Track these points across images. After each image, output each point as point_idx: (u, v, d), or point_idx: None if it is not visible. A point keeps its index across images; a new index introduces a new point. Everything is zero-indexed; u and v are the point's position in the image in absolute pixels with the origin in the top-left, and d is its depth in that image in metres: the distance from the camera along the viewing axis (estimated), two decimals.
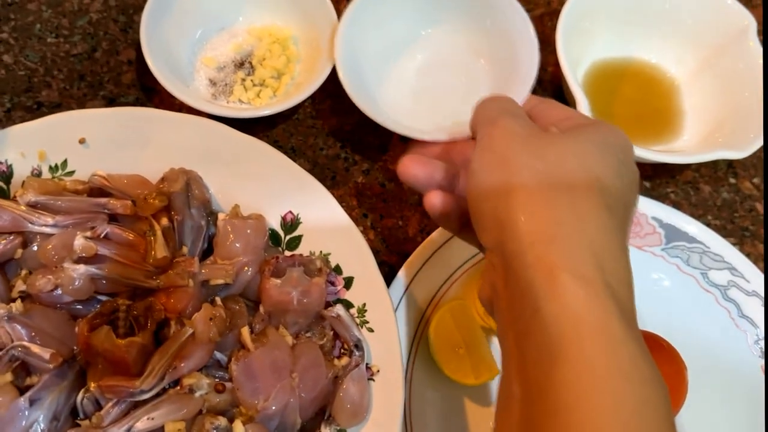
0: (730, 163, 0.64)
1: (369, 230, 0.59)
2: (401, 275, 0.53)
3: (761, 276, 0.57)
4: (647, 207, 0.58)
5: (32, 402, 0.44)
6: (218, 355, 0.49)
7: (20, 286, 0.49)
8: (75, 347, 0.47)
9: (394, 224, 0.59)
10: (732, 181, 0.63)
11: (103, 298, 0.49)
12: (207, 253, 0.52)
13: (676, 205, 0.61)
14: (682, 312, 0.57)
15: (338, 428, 0.48)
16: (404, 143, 0.62)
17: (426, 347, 0.53)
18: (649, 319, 0.55)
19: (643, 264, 0.58)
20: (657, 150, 0.61)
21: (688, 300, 0.57)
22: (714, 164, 0.63)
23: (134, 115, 0.53)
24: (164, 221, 0.50)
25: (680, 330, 0.55)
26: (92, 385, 0.45)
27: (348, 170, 0.61)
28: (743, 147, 0.55)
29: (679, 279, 0.58)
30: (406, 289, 0.53)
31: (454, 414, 0.53)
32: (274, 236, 0.53)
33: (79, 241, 0.48)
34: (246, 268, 0.51)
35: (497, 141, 0.39)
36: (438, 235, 0.55)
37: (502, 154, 0.39)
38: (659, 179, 0.63)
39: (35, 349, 0.45)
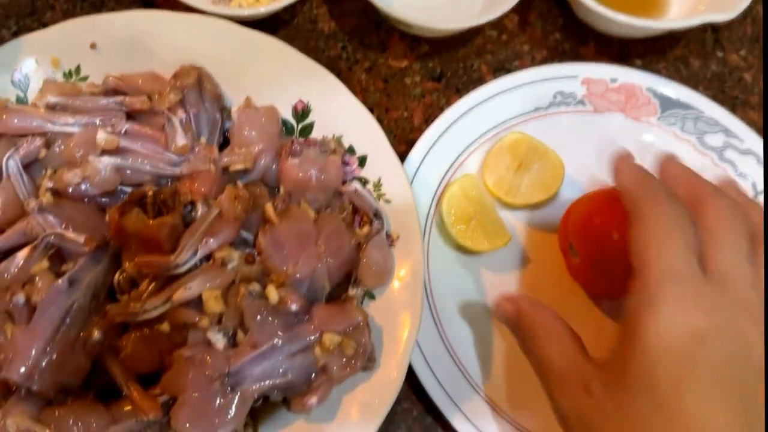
0: (716, 39, 0.66)
1: None
2: (414, 153, 0.56)
3: (754, 135, 0.59)
4: (641, 79, 0.61)
5: (71, 282, 0.46)
6: (244, 233, 0.51)
7: (47, 183, 0.50)
8: (106, 235, 0.49)
9: (399, 116, 0.61)
10: (720, 54, 0.66)
11: (128, 190, 0.51)
12: (223, 147, 0.54)
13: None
14: None
15: (365, 290, 0.50)
16: (403, 41, 0.63)
17: (440, 224, 0.56)
18: None
19: (639, 133, 0.60)
20: None
21: (686, 163, 0.59)
22: (702, 40, 0.66)
23: (142, 17, 0.55)
24: (180, 113, 0.52)
25: None
26: (128, 265, 0.47)
27: (351, 69, 0.63)
28: (728, 10, 0.58)
29: (676, 145, 0.60)
30: (420, 165, 0.56)
31: (469, 280, 0.55)
32: (287, 126, 0.55)
33: (101, 135, 0.50)
34: (263, 155, 0.53)
35: (659, 292, 0.37)
36: (449, 113, 0.58)
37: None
38: (650, 57, 0.65)
39: (69, 235, 0.47)
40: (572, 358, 0.42)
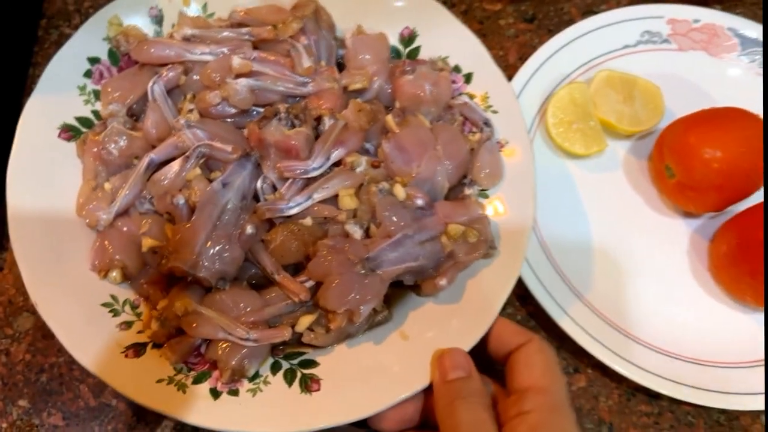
0: None
1: None
2: (520, 73, 0.61)
3: None
4: (723, 19, 0.66)
5: (224, 184, 0.52)
6: (367, 144, 0.56)
7: (188, 106, 0.56)
8: (246, 147, 0.54)
9: (495, 54, 0.65)
10: None
11: (258, 110, 0.57)
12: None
13: None
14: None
15: (480, 189, 0.55)
16: None
17: (542, 131, 0.61)
18: None
19: (722, 69, 0.65)
20: None
21: None
22: None
23: None
24: (302, 40, 0.58)
25: None
26: (269, 170, 0.53)
27: None
28: None
29: (757, 81, 0.64)
30: (525, 85, 0.61)
31: (566, 181, 0.61)
32: (394, 51, 0.60)
33: (236, 61, 0.55)
34: (377, 75, 0.58)
35: None
36: (545, 48, 0.63)
37: None
38: (729, 2, 0.69)
39: (218, 144, 0.53)
40: None
